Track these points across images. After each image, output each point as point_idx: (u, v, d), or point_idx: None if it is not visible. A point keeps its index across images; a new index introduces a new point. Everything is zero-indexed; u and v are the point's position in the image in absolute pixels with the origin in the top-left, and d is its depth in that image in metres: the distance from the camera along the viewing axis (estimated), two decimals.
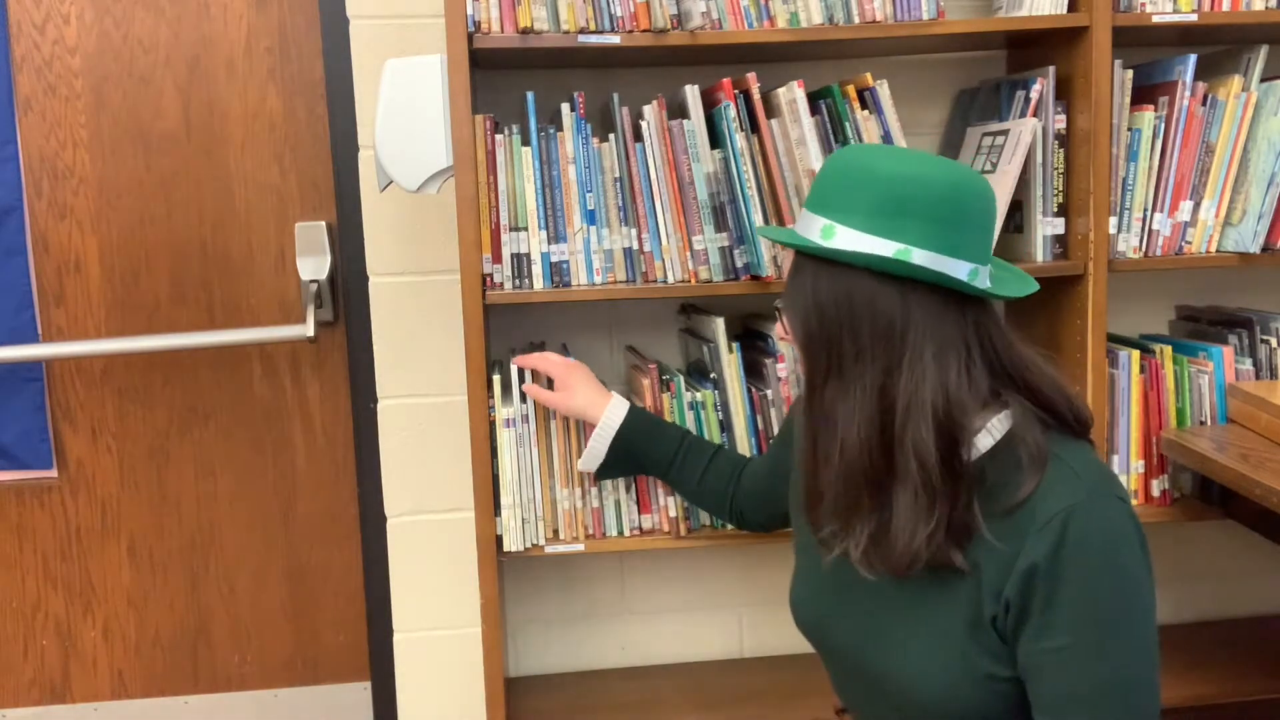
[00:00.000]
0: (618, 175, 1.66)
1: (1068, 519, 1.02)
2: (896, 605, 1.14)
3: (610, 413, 1.55)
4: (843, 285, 1.07)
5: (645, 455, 1.57)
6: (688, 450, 1.56)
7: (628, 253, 1.67)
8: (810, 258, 1.10)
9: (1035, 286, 1.16)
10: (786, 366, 1.69)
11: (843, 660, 1.24)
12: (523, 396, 1.65)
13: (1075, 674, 1.02)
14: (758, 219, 1.64)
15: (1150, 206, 1.73)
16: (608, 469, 1.58)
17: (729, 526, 1.70)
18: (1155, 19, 1.66)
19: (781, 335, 1.20)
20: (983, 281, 1.08)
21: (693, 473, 1.56)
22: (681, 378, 1.70)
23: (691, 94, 1.64)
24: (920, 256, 1.05)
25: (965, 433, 1.06)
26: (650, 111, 1.63)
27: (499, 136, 1.63)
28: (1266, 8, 1.68)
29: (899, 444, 1.06)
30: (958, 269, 1.06)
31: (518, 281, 1.66)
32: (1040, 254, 1.72)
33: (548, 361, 1.62)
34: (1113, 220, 1.70)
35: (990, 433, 1.09)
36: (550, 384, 1.64)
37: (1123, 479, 1.76)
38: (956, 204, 1.06)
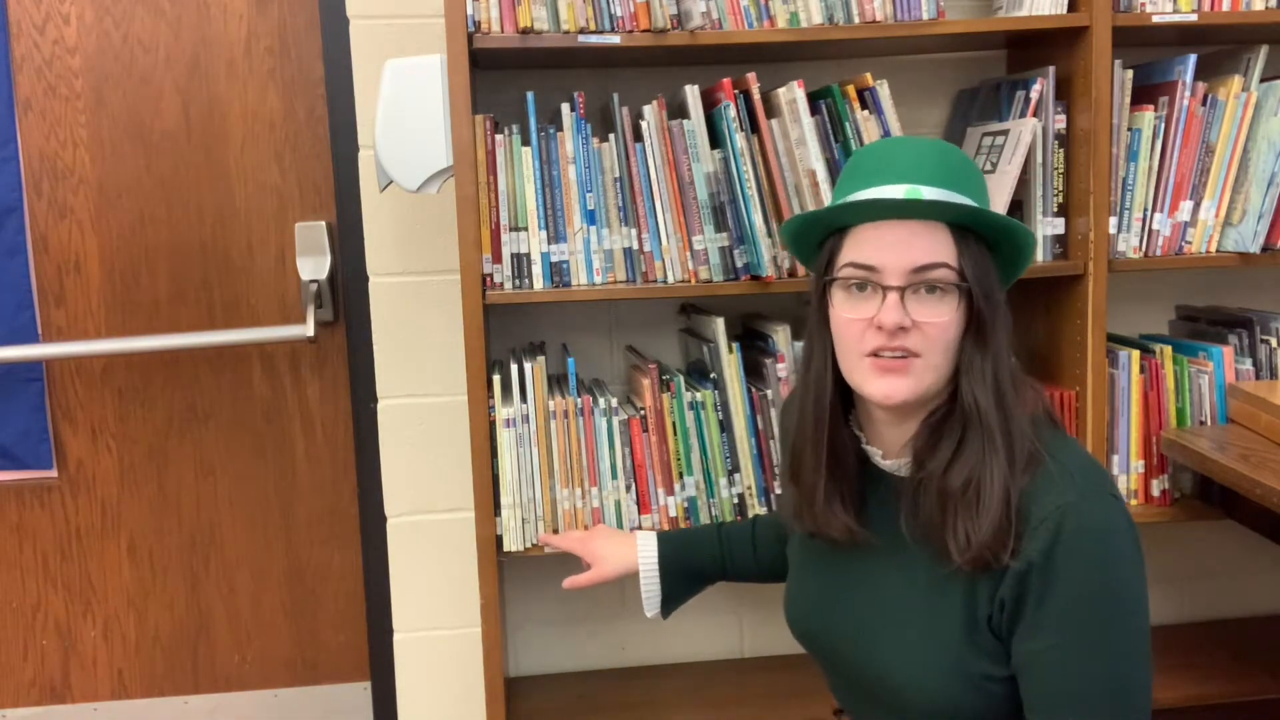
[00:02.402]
0: (618, 175, 1.66)
1: (1061, 518, 1.03)
2: (892, 608, 1.14)
3: (643, 552, 1.51)
4: (987, 260, 1.12)
5: (695, 568, 1.53)
6: (728, 539, 1.53)
7: (628, 253, 1.67)
8: (960, 233, 1.10)
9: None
10: (786, 366, 1.69)
11: (840, 664, 1.24)
12: (523, 397, 1.66)
13: (1067, 673, 1.02)
14: (758, 219, 1.64)
15: (1150, 206, 1.73)
16: (671, 600, 1.53)
17: None
18: (1155, 19, 1.66)
19: (905, 321, 1.08)
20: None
21: (745, 556, 1.52)
22: (681, 378, 1.70)
23: (691, 94, 1.64)
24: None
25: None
26: (650, 111, 1.63)
27: (499, 136, 1.63)
28: (1266, 8, 1.68)
29: (1012, 415, 1.09)
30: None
31: (518, 281, 1.66)
32: (1040, 254, 1.72)
33: (568, 541, 1.61)
34: (1113, 220, 1.70)
35: None
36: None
37: (1122, 479, 1.77)
38: None
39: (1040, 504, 1.04)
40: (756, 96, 1.64)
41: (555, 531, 1.69)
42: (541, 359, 1.69)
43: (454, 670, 2.00)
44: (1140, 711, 1.03)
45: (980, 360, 1.09)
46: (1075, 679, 1.02)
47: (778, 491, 1.71)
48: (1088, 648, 1.02)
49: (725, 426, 1.70)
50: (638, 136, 1.64)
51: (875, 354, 1.09)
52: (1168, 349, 1.76)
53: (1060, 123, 1.70)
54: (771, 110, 1.66)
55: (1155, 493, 1.78)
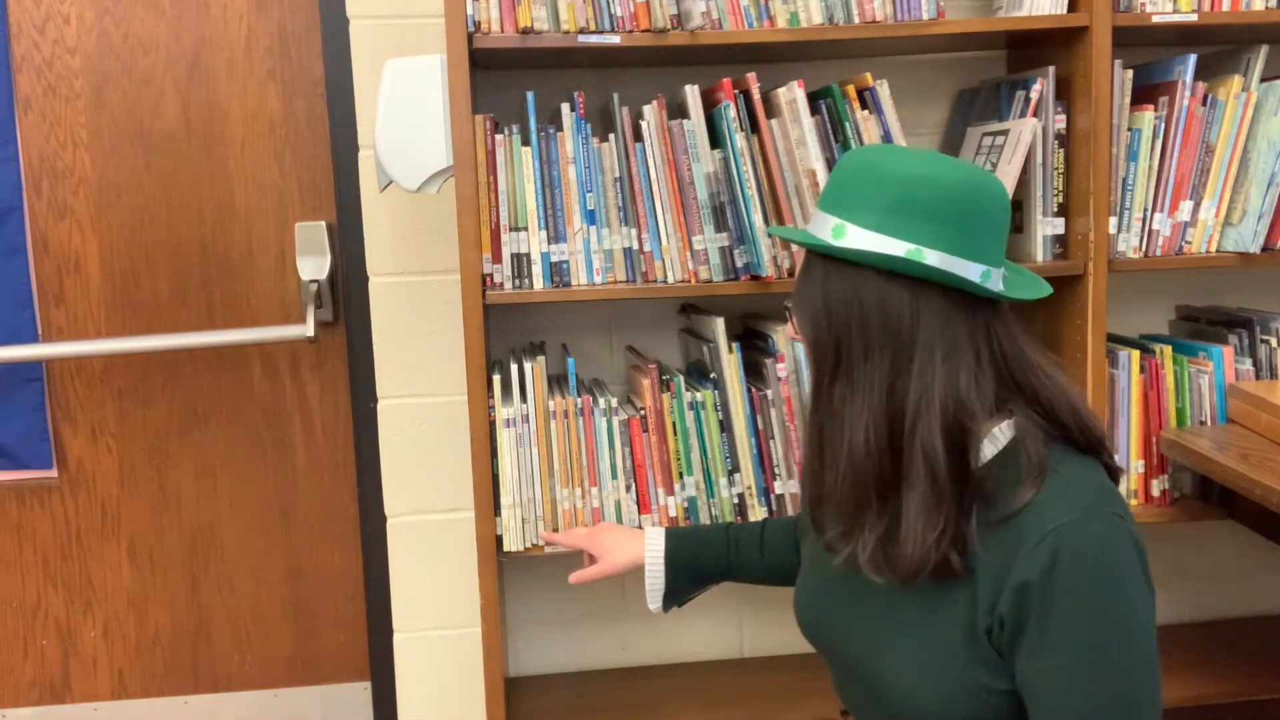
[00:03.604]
0: (618, 175, 1.66)
1: (1060, 538, 1.01)
2: (895, 612, 1.14)
3: (651, 546, 1.49)
4: (852, 285, 1.07)
5: (701, 566, 1.51)
6: (736, 539, 1.51)
7: (628, 253, 1.67)
8: (821, 257, 1.10)
9: (1048, 290, 1.16)
10: (786, 366, 1.69)
11: (843, 664, 1.24)
12: (523, 397, 1.66)
13: (1072, 693, 1.01)
14: (758, 219, 1.64)
15: (1150, 206, 1.73)
16: (674, 596, 1.50)
17: None
18: (1155, 19, 1.66)
19: (792, 335, 1.19)
20: (995, 284, 1.07)
21: (752, 557, 1.50)
22: (681, 378, 1.70)
23: (691, 94, 1.64)
24: (932, 257, 1.04)
25: (973, 437, 1.05)
26: (650, 111, 1.63)
27: (499, 136, 1.63)
28: (1266, 8, 1.68)
29: (908, 446, 1.05)
30: (970, 270, 1.05)
31: (518, 281, 1.66)
32: (1040, 254, 1.72)
33: (573, 538, 1.60)
34: (1113, 220, 1.70)
35: (994, 440, 1.08)
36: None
37: (1123, 479, 1.76)
38: (970, 206, 1.06)
39: (1041, 521, 1.03)
40: (756, 96, 1.64)
41: (555, 531, 1.69)
42: (541, 359, 1.69)
43: (454, 670, 2.00)
44: None
45: (826, 387, 1.11)
46: (1080, 699, 1.01)
47: (778, 491, 1.71)
48: (1092, 668, 1.01)
49: (725, 426, 1.70)
50: (638, 136, 1.64)
51: None
52: (1168, 349, 1.76)
53: (1060, 123, 1.70)
54: (771, 110, 1.66)
55: (1155, 493, 1.78)
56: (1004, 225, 1.10)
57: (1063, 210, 1.72)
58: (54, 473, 2.05)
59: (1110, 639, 1.01)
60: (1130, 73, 1.71)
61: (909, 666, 1.11)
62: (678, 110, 1.68)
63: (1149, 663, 1.02)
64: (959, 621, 1.07)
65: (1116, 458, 1.73)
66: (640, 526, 1.71)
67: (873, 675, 1.16)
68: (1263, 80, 1.72)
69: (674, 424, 1.70)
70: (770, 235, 1.61)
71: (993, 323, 1.09)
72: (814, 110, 1.65)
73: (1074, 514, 1.02)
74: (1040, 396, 1.09)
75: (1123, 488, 1.77)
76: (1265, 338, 1.79)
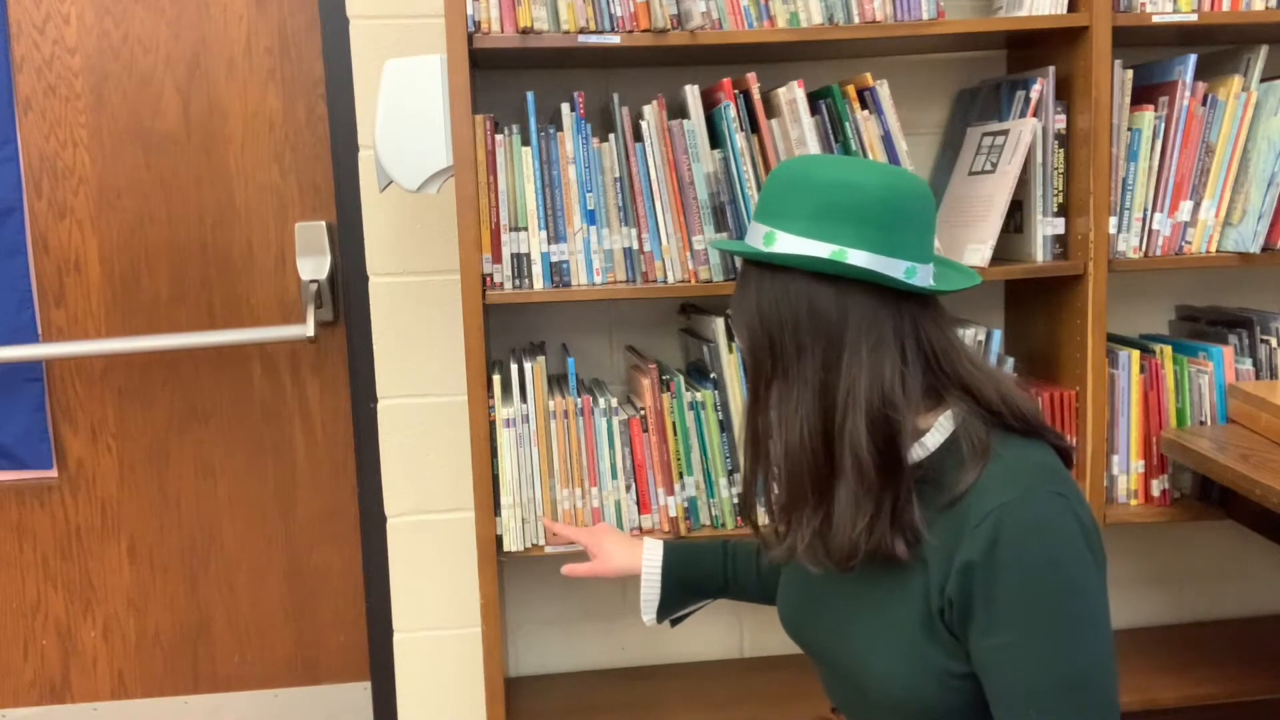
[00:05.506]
0: (618, 175, 1.66)
1: (1000, 518, 1.03)
2: (857, 602, 1.16)
3: (649, 556, 1.49)
4: (782, 288, 1.11)
5: (697, 580, 1.51)
6: (734, 555, 1.51)
7: (628, 253, 1.67)
8: (755, 265, 1.14)
9: (976, 280, 1.19)
10: None
11: (825, 659, 1.26)
12: (523, 397, 1.66)
13: (1023, 670, 1.03)
14: None
15: (1150, 206, 1.73)
16: (667, 609, 1.50)
17: (729, 526, 1.71)
18: (1155, 19, 1.66)
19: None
20: (922, 280, 1.11)
21: (748, 573, 1.50)
22: (681, 378, 1.70)
23: (691, 94, 1.64)
24: (856, 257, 1.08)
25: (900, 428, 1.08)
26: (650, 111, 1.63)
27: (499, 136, 1.63)
28: (1266, 8, 1.68)
29: (838, 439, 1.09)
30: (893, 268, 1.09)
31: (518, 281, 1.66)
32: (1040, 254, 1.72)
33: (572, 530, 1.60)
34: (1113, 220, 1.70)
35: (941, 429, 1.12)
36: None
37: (1122, 479, 1.77)
38: (892, 206, 1.09)
39: (981, 503, 1.05)
40: (756, 96, 1.64)
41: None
42: (541, 359, 1.69)
43: (454, 670, 2.00)
44: (1102, 703, 1.04)
45: (764, 390, 1.14)
46: (1032, 675, 1.03)
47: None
48: (1041, 644, 1.02)
49: (725, 426, 1.70)
50: (638, 136, 1.64)
51: None
52: (1168, 349, 1.76)
53: (1060, 123, 1.70)
54: (771, 110, 1.66)
55: (1155, 493, 1.78)
56: (928, 222, 1.14)
57: (1063, 210, 1.72)
58: (54, 473, 2.05)
59: (1054, 615, 1.03)
60: (1130, 73, 1.71)
61: (874, 655, 1.13)
62: (678, 110, 1.68)
63: (1097, 637, 1.04)
64: (915, 607, 1.10)
65: (1115, 458, 1.75)
66: (640, 527, 1.71)
67: (846, 668, 1.19)
68: (1263, 80, 1.72)
69: (674, 424, 1.70)
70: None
71: (920, 317, 1.12)
72: (814, 110, 1.65)
73: (1013, 494, 1.05)
74: (969, 386, 1.12)
75: (1122, 488, 1.77)
76: (1265, 338, 1.79)
